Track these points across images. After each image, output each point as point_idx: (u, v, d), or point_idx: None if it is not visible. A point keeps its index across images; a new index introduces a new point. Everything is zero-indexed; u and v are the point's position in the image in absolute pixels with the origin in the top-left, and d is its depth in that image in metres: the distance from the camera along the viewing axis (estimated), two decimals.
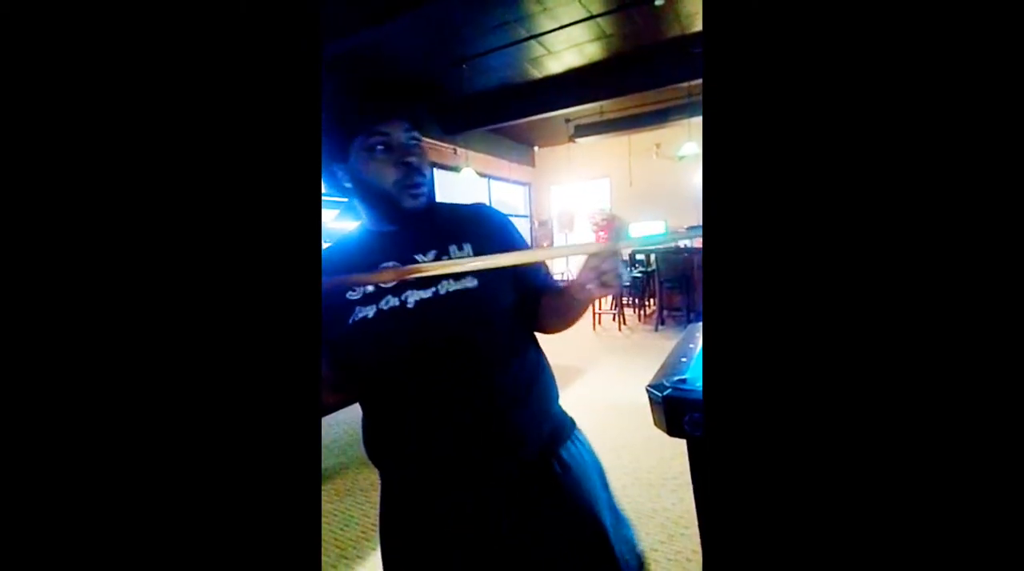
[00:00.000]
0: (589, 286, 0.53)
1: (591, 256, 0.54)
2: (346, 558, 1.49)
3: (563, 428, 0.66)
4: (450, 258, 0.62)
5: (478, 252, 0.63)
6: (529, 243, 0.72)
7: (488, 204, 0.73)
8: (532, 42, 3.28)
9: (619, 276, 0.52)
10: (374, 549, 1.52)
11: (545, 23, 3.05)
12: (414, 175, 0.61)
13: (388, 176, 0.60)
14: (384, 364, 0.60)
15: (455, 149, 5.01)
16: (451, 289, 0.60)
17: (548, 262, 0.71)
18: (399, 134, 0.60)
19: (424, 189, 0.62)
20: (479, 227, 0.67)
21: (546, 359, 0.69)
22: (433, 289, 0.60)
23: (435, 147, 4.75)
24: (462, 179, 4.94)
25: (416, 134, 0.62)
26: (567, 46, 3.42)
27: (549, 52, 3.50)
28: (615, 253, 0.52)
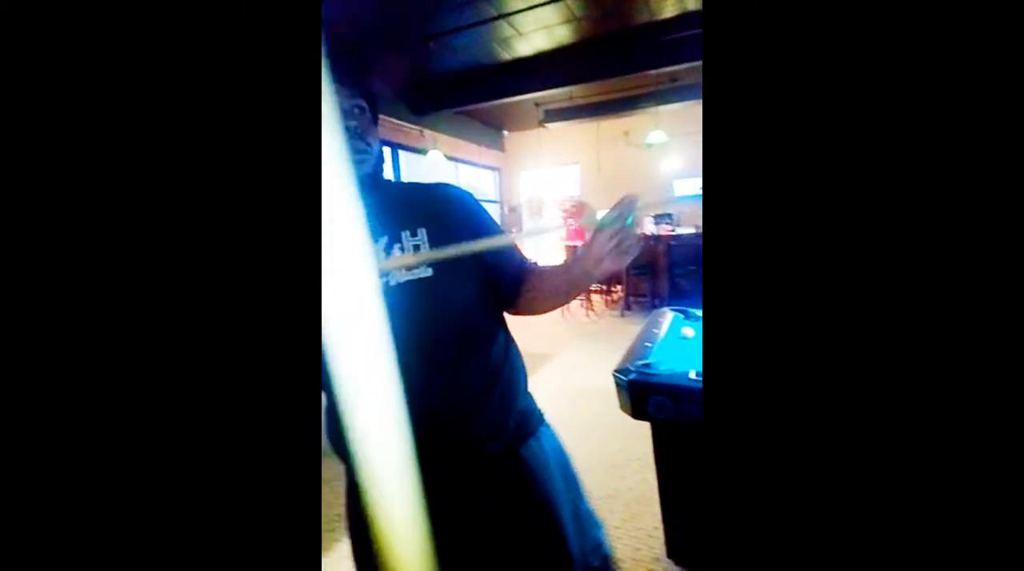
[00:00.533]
0: (607, 259, 0.52)
1: (598, 231, 0.52)
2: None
3: (528, 423, 0.65)
4: (401, 245, 0.59)
5: (433, 238, 0.59)
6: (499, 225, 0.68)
7: (452, 183, 0.68)
8: (501, 22, 3.19)
9: (634, 244, 0.52)
10: (338, 540, 1.50)
11: (514, 2, 2.97)
12: (354, 140, 0.57)
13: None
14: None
15: (422, 131, 4.87)
16: (402, 280, 0.56)
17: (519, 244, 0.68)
18: (339, 100, 0.56)
19: (366, 157, 0.59)
20: (438, 209, 0.62)
21: (516, 347, 0.67)
22: (384, 279, 0.56)
23: (401, 128, 4.60)
24: (429, 162, 4.83)
25: (361, 103, 0.59)
26: (536, 27, 3.36)
27: (519, 33, 3.43)
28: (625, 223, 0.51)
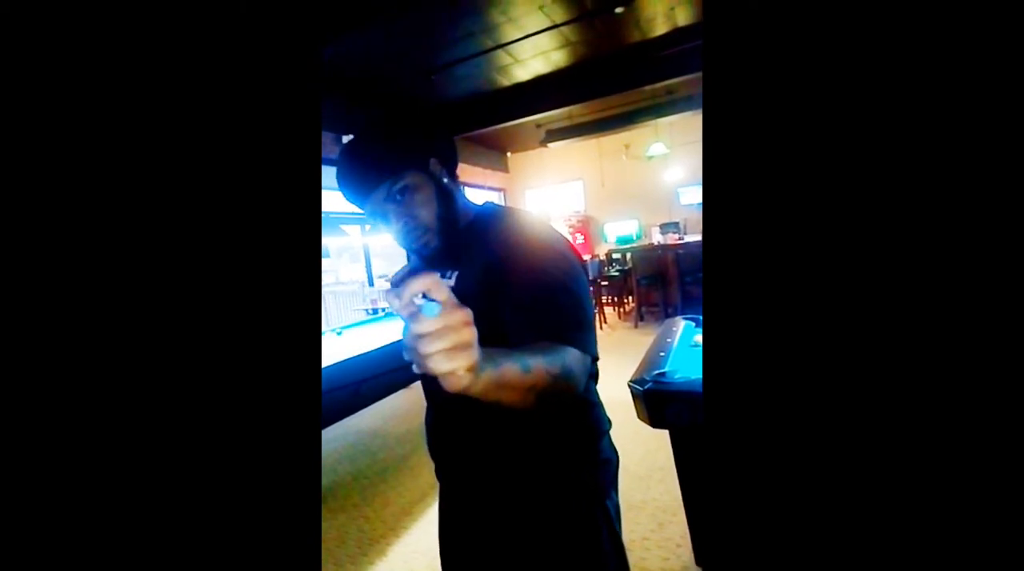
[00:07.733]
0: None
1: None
2: None
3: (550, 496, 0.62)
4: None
5: (459, 282, 0.60)
6: (560, 266, 0.56)
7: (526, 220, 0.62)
8: (499, 51, 3.33)
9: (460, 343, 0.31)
10: (370, 565, 1.54)
11: (510, 33, 3.10)
12: (407, 232, 0.59)
13: (392, 235, 0.61)
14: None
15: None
16: None
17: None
18: (377, 206, 0.58)
19: (423, 237, 0.59)
20: (481, 249, 0.60)
21: (581, 417, 0.67)
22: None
23: None
24: None
25: (399, 186, 0.57)
26: (533, 54, 3.49)
27: (516, 60, 3.56)
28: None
